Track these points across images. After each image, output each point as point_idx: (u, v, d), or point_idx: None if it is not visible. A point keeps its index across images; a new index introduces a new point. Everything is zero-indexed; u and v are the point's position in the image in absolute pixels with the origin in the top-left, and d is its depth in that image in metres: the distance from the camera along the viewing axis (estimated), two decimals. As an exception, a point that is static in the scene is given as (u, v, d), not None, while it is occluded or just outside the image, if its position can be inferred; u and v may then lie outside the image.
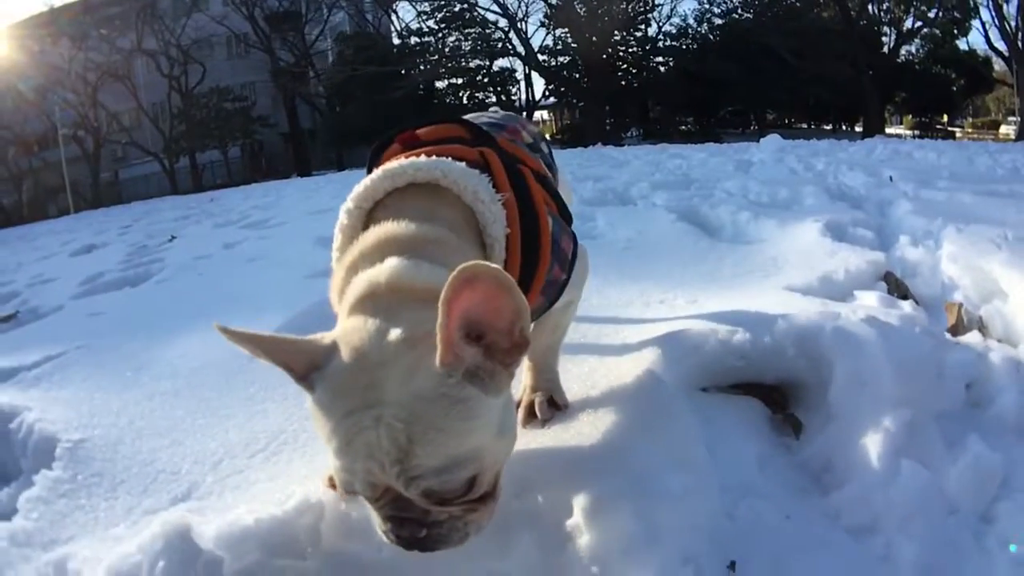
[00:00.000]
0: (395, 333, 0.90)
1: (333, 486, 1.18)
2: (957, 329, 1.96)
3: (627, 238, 3.07)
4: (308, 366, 0.92)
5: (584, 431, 1.21)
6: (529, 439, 1.25)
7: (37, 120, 28.17)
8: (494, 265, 0.81)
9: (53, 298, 4.34)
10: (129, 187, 28.17)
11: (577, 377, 1.47)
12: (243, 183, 15.92)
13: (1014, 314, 1.90)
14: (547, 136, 1.63)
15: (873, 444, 1.25)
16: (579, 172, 5.60)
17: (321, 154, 29.86)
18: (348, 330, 0.94)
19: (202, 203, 11.30)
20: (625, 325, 1.82)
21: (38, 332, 3.43)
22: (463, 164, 1.15)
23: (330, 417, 0.90)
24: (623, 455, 1.09)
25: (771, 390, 1.68)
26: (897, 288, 2.30)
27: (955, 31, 28.63)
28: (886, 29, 28.83)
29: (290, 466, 1.39)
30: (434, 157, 1.15)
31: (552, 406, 1.38)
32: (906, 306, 2.04)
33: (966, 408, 1.49)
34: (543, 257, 1.19)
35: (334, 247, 1.19)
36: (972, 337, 1.81)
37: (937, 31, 28.77)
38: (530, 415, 1.37)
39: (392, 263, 0.99)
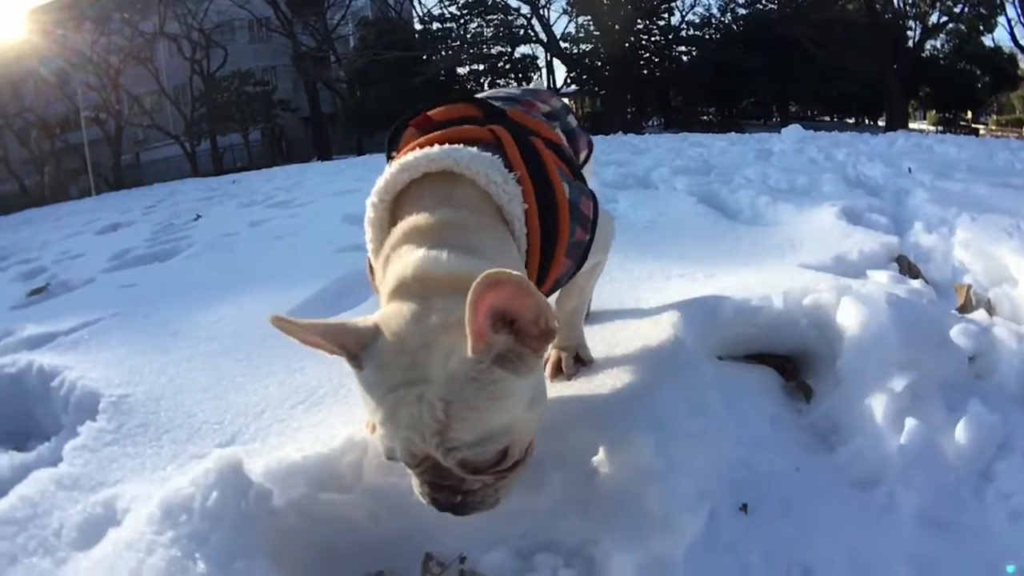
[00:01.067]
0: (430, 319, 0.99)
1: (374, 429, 1.27)
2: (965, 308, 2.02)
3: (648, 219, 3.14)
4: (358, 345, 1.01)
5: (607, 382, 1.29)
6: (557, 390, 1.34)
7: (59, 103, 28.43)
8: (515, 272, 0.88)
9: (83, 272, 4.40)
10: (150, 169, 28.40)
11: (601, 339, 1.55)
12: (263, 167, 16.03)
13: (1023, 297, 1.96)
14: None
15: (878, 405, 1.32)
16: (601, 158, 5.66)
17: (341, 139, 29.96)
18: (388, 315, 1.02)
19: (224, 185, 11.39)
20: (646, 294, 1.89)
21: (71, 302, 3.51)
22: (474, 149, 1.20)
23: (375, 392, 0.99)
24: (644, 402, 1.18)
25: (783, 360, 1.76)
26: (909, 270, 2.36)
27: (980, 27, 28.24)
28: (911, 23, 28.45)
29: (331, 416, 1.48)
30: (446, 145, 1.20)
31: (578, 362, 1.47)
32: (916, 284, 2.10)
33: (969, 379, 1.55)
34: (562, 224, 1.24)
35: (367, 239, 1.26)
36: (979, 315, 1.87)
37: (963, 26, 28.39)
38: (557, 370, 1.46)
39: (416, 255, 1.08)
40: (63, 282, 4.18)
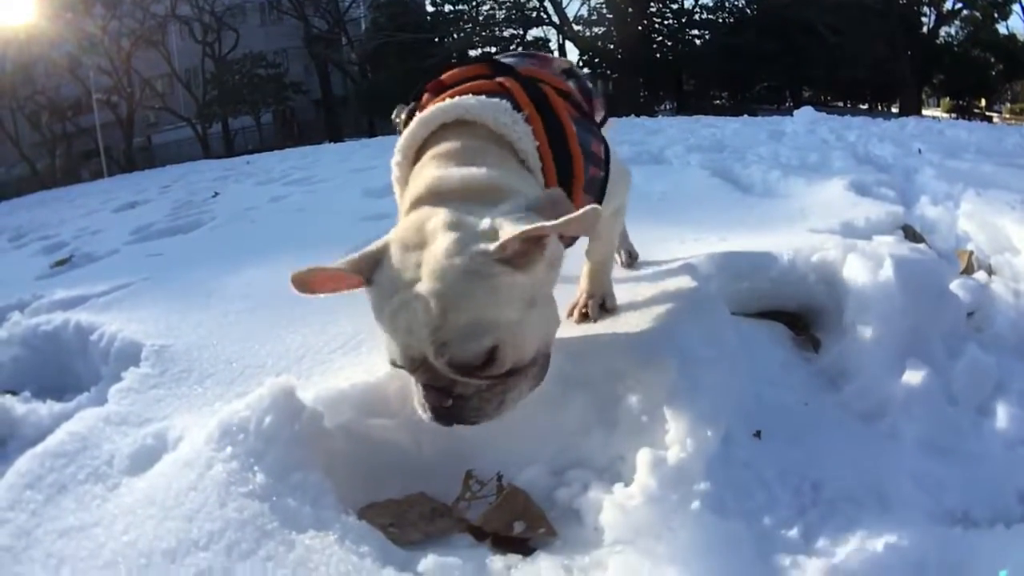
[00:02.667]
0: (433, 221, 1.06)
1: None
2: (967, 272, 2.10)
3: (662, 191, 3.22)
4: (371, 267, 1.10)
5: (631, 320, 1.39)
6: (583, 330, 1.43)
7: (71, 86, 28.51)
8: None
9: (105, 245, 4.44)
10: (161, 152, 28.47)
11: (623, 289, 1.64)
12: (275, 149, 16.10)
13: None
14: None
15: (881, 348, 1.42)
16: (615, 137, 5.64)
17: (353, 121, 29.96)
18: (397, 230, 1.12)
19: (238, 165, 11.46)
20: (661, 255, 1.98)
21: (98, 270, 3.58)
22: (482, 97, 1.28)
23: (382, 302, 1.07)
24: (666, 333, 1.27)
25: (794, 317, 1.85)
26: (914, 238, 2.43)
27: (995, 14, 27.93)
28: (926, 9, 28.22)
29: (370, 357, 1.57)
30: (456, 99, 1.28)
31: (603, 310, 1.56)
32: (920, 246, 2.19)
33: (968, 330, 1.64)
34: (575, 158, 1.31)
35: (396, 199, 1.35)
36: (979, 276, 1.96)
37: (977, 13, 28.09)
38: (583, 316, 1.55)
39: (430, 173, 1.17)
40: (87, 254, 4.23)
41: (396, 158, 1.33)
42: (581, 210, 0.97)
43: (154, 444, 1.39)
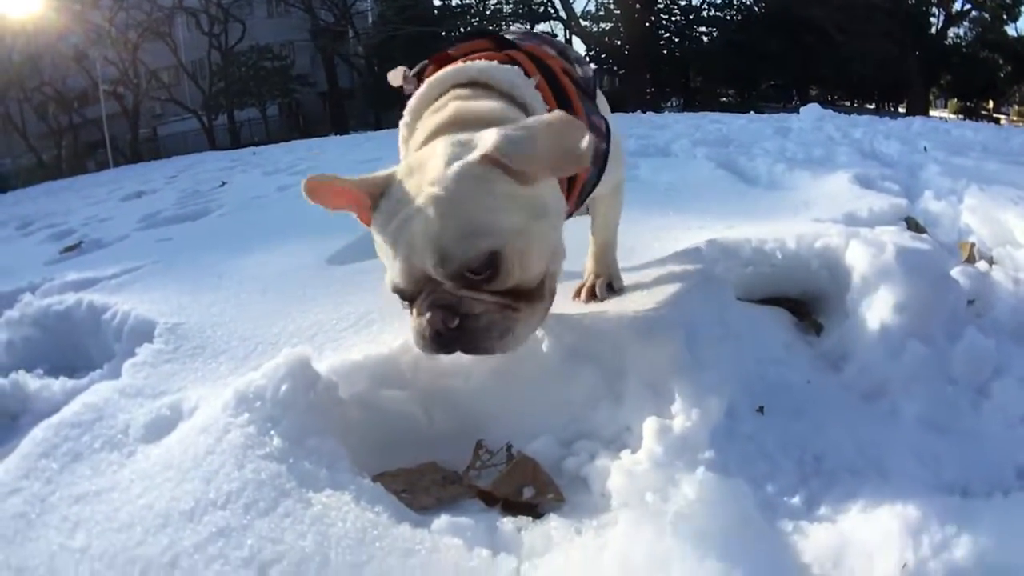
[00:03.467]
0: (439, 143, 1.09)
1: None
2: (969, 263, 2.13)
3: (668, 182, 3.26)
4: (379, 191, 1.12)
5: (639, 300, 1.42)
6: (591, 307, 1.46)
7: (78, 77, 28.57)
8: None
9: (114, 231, 4.47)
10: (167, 143, 28.53)
11: (630, 272, 1.67)
12: (281, 141, 16.14)
13: (1025, 258, 2.07)
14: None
15: (882, 330, 1.44)
16: (622, 131, 5.76)
17: (359, 114, 29.97)
18: (404, 161, 1.14)
19: (244, 156, 11.50)
20: (668, 242, 2.01)
21: (108, 255, 3.61)
22: (495, 63, 1.31)
23: (385, 225, 1.08)
24: (673, 313, 1.30)
25: (797, 303, 1.88)
26: (917, 229, 2.46)
27: (1004, 16, 27.85)
28: (934, 10, 28.15)
29: (382, 334, 1.60)
30: (469, 62, 1.31)
31: (610, 289, 1.59)
32: (922, 236, 2.22)
33: (968, 316, 1.67)
34: None
35: (401, 158, 1.35)
36: (980, 265, 1.99)
37: (986, 15, 28.02)
38: (591, 295, 1.58)
39: (447, 108, 1.21)
40: (96, 240, 4.26)
41: (405, 118, 1.34)
42: (557, 113, 1.02)
43: (169, 414, 1.41)
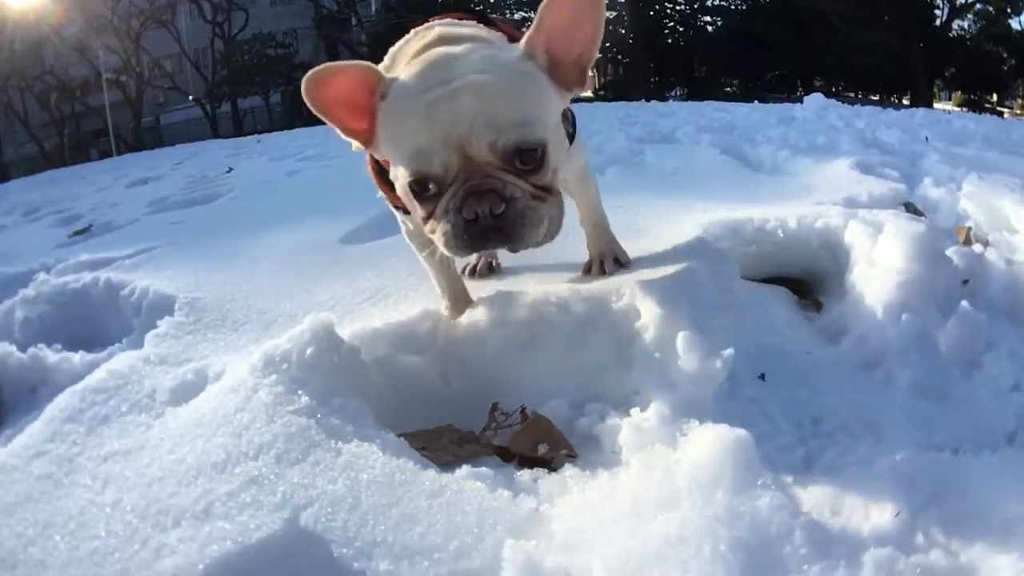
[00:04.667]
0: (463, 45, 1.11)
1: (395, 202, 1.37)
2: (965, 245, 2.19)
3: (673, 167, 3.31)
4: (381, 79, 1.10)
5: (646, 272, 1.48)
6: (599, 281, 1.52)
7: (80, 66, 28.55)
8: None
9: (124, 215, 4.47)
10: (170, 132, 28.51)
11: (638, 248, 1.72)
12: (284, 129, 16.10)
13: (1021, 242, 2.13)
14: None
15: (878, 303, 1.50)
16: (626, 119, 5.84)
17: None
18: (407, 64, 1.13)
19: (248, 144, 11.48)
20: (674, 221, 2.06)
21: (120, 237, 3.62)
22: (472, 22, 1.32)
23: (410, 104, 1.04)
24: (679, 284, 1.36)
25: (798, 283, 1.94)
26: (915, 214, 2.51)
27: (1008, 9, 27.74)
28: (939, 2, 28.07)
29: (398, 305, 1.67)
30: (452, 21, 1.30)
31: (616, 263, 1.64)
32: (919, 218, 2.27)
33: (962, 293, 1.72)
34: None
35: None
36: (975, 248, 2.04)
37: (990, 8, 27.90)
38: (601, 271, 1.63)
39: (434, 30, 1.21)
40: (105, 224, 4.25)
41: (385, 62, 1.29)
42: None
43: (195, 379, 1.46)
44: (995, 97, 31.79)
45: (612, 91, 27.04)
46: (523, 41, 1.08)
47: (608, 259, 1.64)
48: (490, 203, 1.02)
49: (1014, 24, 28.64)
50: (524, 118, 1.04)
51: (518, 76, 1.06)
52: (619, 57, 29.37)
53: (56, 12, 25.33)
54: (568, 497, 0.99)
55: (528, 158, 1.04)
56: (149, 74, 29.86)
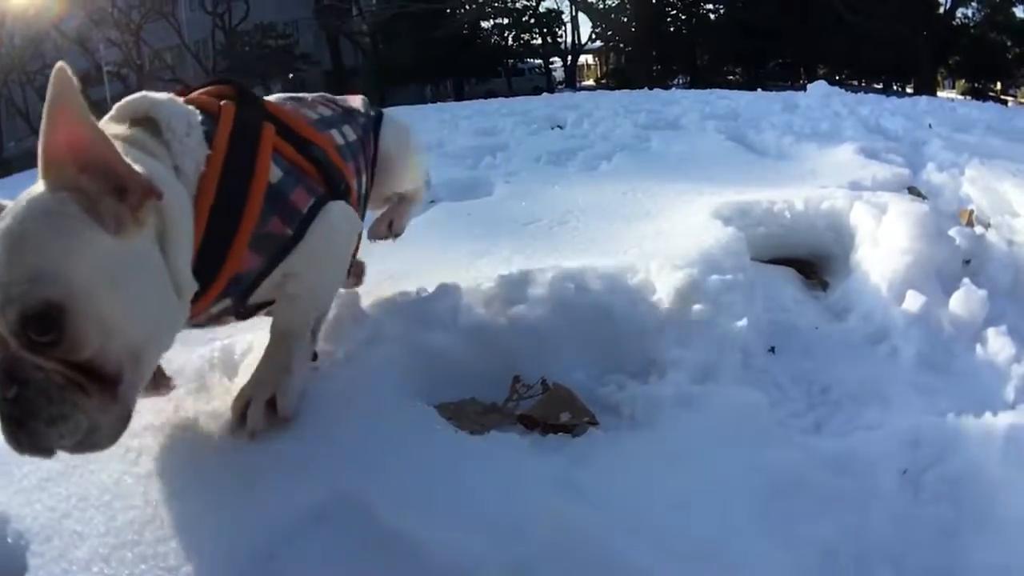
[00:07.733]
0: (31, 188, 0.88)
1: None
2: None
3: (679, 153, 3.36)
4: None
5: (657, 250, 1.53)
6: (614, 255, 1.58)
7: (80, 59, 28.53)
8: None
9: None
10: (171, 122, 28.53)
11: (648, 223, 1.77)
12: (287, 119, 16.12)
13: (1022, 225, 2.18)
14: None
15: (883, 281, 1.56)
16: (631, 107, 5.86)
17: (364, 92, 29.55)
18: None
19: (253, 134, 11.52)
20: (683, 203, 2.12)
21: None
22: (179, 100, 1.10)
23: None
24: (692, 260, 1.42)
25: (804, 264, 2.00)
26: (919, 197, 2.57)
27: (1013, -3, 27.63)
28: (943, -11, 27.97)
29: (419, 282, 1.70)
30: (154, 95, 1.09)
31: (269, 411, 1.14)
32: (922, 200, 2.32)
33: (964, 272, 1.78)
34: (250, 207, 1.05)
35: None
36: (977, 229, 2.10)
37: (995, -5, 27.80)
38: (240, 419, 1.15)
39: None
40: None
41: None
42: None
43: (221, 356, 1.47)
44: (999, 85, 31.70)
45: (615, 80, 27.03)
46: (40, 171, 0.85)
47: (256, 409, 1.13)
48: (3, 378, 0.79)
49: (1018, 12, 28.48)
50: (33, 274, 0.79)
51: (38, 221, 0.83)
52: (621, 45, 29.32)
53: (56, 7, 25.33)
54: (597, 457, 1.04)
55: (40, 327, 0.79)
56: (150, 66, 29.85)
